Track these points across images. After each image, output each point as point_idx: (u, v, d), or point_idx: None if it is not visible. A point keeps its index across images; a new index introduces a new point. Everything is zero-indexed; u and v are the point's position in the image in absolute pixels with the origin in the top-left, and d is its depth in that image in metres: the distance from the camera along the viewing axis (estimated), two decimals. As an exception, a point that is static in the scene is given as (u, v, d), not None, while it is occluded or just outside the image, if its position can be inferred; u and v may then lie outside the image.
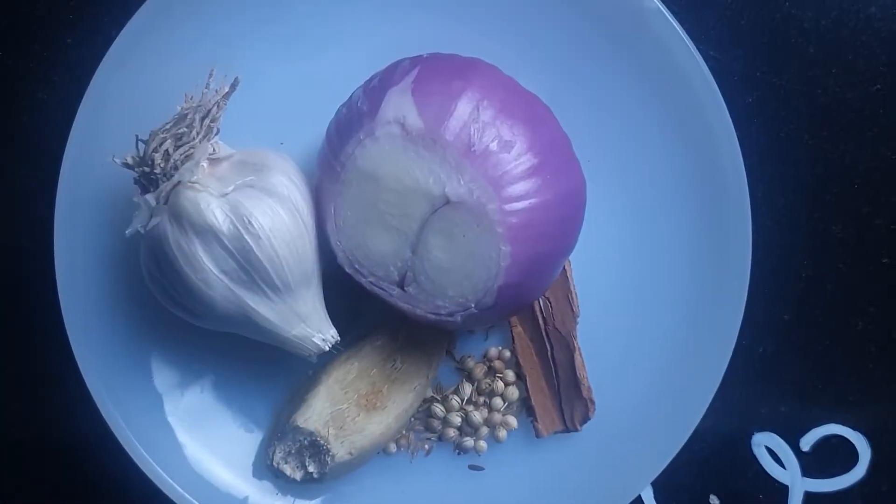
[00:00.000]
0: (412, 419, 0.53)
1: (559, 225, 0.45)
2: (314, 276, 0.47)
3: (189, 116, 0.45)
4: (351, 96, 0.47)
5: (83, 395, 0.51)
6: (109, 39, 0.50)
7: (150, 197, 0.45)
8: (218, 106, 0.45)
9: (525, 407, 0.53)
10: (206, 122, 0.45)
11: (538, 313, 0.52)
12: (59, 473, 0.57)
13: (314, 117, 0.49)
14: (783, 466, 0.56)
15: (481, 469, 0.53)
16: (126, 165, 0.45)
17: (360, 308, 0.52)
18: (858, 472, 0.56)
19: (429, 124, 0.43)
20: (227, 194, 0.45)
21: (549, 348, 0.52)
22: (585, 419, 0.52)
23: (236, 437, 0.53)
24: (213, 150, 0.46)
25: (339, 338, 0.48)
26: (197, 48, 0.50)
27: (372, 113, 0.44)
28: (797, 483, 0.56)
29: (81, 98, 0.50)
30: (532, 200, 0.44)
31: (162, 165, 0.44)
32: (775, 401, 0.56)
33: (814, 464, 0.56)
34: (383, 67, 0.47)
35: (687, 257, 0.51)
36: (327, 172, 0.46)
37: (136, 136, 0.45)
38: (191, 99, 0.45)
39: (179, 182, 0.45)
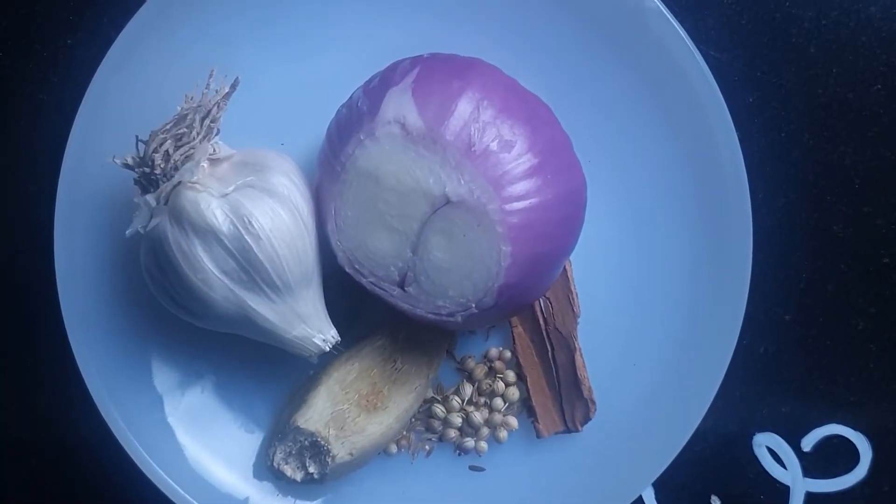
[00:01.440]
0: (413, 420, 0.53)
1: (560, 225, 0.45)
2: (314, 277, 0.47)
3: (189, 117, 0.45)
4: (351, 96, 0.47)
5: (83, 396, 0.51)
6: (109, 40, 0.50)
7: (150, 197, 0.45)
8: (218, 106, 0.45)
9: (526, 407, 0.53)
10: (207, 122, 0.45)
11: (539, 313, 0.52)
12: (59, 474, 0.56)
13: (314, 117, 0.49)
14: (784, 467, 0.56)
15: (482, 470, 0.53)
16: (126, 166, 0.45)
17: (360, 308, 0.52)
18: (860, 472, 0.56)
19: (429, 124, 0.43)
20: (227, 194, 0.45)
21: (549, 348, 0.52)
22: (586, 419, 0.52)
23: (237, 437, 0.52)
24: (214, 150, 0.46)
25: (339, 338, 0.48)
26: (197, 48, 0.50)
27: (372, 113, 0.44)
28: (798, 483, 0.56)
29: (81, 99, 0.50)
30: (532, 200, 0.44)
31: (162, 166, 0.44)
32: (776, 401, 0.56)
33: (815, 464, 0.56)
34: (383, 67, 0.47)
35: (688, 257, 0.51)
36: (328, 172, 0.46)
37: (136, 137, 0.45)
38: (191, 99, 0.45)
39: (179, 182, 0.45)
